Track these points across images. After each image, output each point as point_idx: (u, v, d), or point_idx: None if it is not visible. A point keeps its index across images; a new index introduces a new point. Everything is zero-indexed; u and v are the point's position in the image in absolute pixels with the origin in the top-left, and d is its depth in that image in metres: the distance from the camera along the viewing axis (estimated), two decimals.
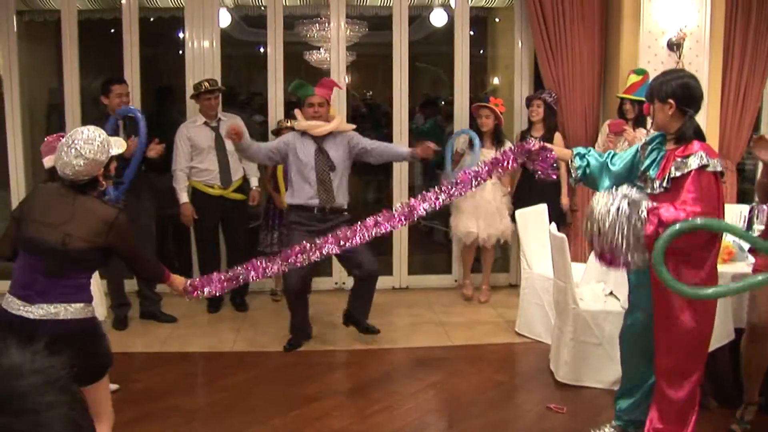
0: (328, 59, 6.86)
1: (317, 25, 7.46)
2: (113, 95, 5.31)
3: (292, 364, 4.74)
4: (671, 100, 3.11)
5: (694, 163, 2.99)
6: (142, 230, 5.48)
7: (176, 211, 5.88)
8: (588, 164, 3.39)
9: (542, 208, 5.39)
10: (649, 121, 4.28)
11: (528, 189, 5.85)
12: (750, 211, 4.73)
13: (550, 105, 5.99)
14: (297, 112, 5.13)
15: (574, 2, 6.03)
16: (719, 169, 3.03)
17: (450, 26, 6.79)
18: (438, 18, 7.43)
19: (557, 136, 5.97)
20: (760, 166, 4.19)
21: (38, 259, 2.88)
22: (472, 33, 6.62)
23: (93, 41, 6.77)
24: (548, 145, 3.40)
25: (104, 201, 3.05)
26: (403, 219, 3.69)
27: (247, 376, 4.63)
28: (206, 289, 3.50)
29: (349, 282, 5.56)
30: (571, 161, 3.43)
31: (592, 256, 4.50)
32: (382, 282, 5.55)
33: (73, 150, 2.82)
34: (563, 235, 4.38)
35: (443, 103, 9.65)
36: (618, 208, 2.91)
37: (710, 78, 5.79)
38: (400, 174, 6.62)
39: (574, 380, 4.36)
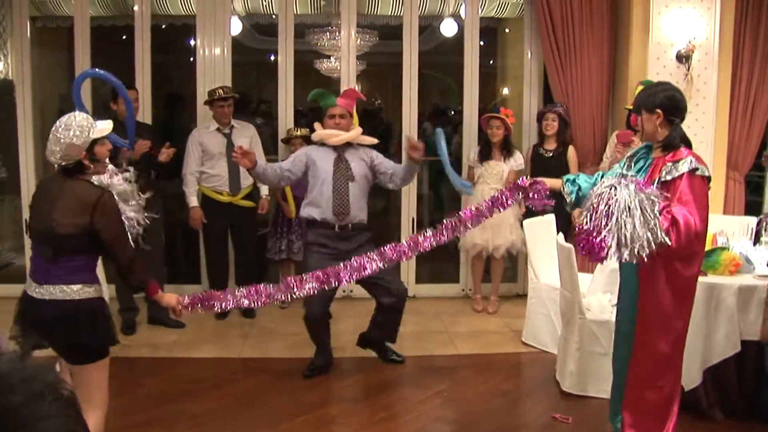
0: (339, 68, 6.90)
1: (328, 33, 7.52)
2: (121, 101, 5.34)
3: (299, 371, 4.75)
4: (659, 110, 3.22)
5: (684, 167, 3.10)
6: (151, 236, 5.51)
7: (185, 215, 5.91)
8: (579, 188, 3.46)
9: (550, 219, 5.40)
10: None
11: None
12: (758, 224, 4.74)
13: (563, 118, 6.01)
14: (317, 125, 4.88)
15: (583, 13, 6.05)
16: (707, 174, 3.14)
17: (460, 36, 6.81)
18: (448, 28, 7.47)
19: (571, 149, 5.98)
20: None
21: (37, 245, 3.12)
22: (481, 43, 6.64)
23: (105, 48, 6.81)
24: (539, 179, 3.44)
25: (91, 183, 3.08)
26: (409, 252, 3.72)
27: (254, 382, 4.65)
28: (205, 306, 3.45)
29: (357, 289, 5.57)
30: (563, 188, 3.48)
31: (599, 267, 4.52)
32: None
33: (52, 137, 2.96)
34: (570, 246, 4.39)
35: (452, 113, 9.67)
36: (635, 198, 2.91)
37: (719, 89, 5.80)
38: (409, 187, 6.61)
39: (579, 390, 4.36)
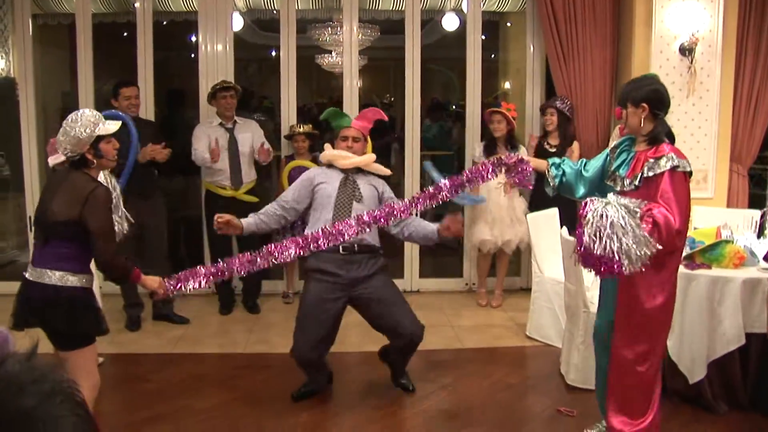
0: (340, 63, 6.89)
1: (330, 28, 7.52)
2: (122, 98, 5.36)
3: None
4: (645, 104, 3.24)
5: (666, 164, 3.12)
6: (153, 232, 5.53)
7: (188, 212, 5.90)
8: (564, 173, 3.52)
9: (553, 213, 5.40)
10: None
11: (543, 194, 5.84)
12: (762, 216, 4.73)
13: (563, 113, 5.98)
14: (327, 146, 4.46)
15: (586, 7, 6.03)
16: (688, 169, 3.16)
17: (462, 30, 6.81)
18: (450, 22, 7.47)
19: (575, 145, 5.98)
20: None
21: (35, 229, 3.32)
22: (483, 37, 6.62)
23: (107, 45, 6.82)
24: (525, 158, 3.47)
25: (90, 176, 3.19)
26: (383, 220, 3.70)
27: (258, 377, 4.66)
28: (190, 283, 3.46)
29: None
30: (548, 171, 3.52)
31: None
32: None
33: (62, 129, 3.12)
34: (574, 239, 4.38)
35: (453, 107, 9.67)
36: (615, 213, 2.97)
37: (722, 82, 5.79)
38: (412, 183, 6.64)
39: (584, 383, 4.36)
